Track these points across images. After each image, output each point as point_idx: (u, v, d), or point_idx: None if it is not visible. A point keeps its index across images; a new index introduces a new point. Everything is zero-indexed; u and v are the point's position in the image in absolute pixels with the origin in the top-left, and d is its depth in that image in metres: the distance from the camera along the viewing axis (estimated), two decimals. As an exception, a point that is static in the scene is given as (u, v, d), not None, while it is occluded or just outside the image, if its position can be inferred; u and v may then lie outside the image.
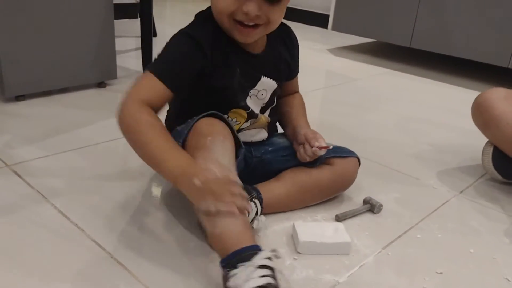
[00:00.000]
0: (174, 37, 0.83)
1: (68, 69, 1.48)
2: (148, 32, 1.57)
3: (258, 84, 0.89)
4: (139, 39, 1.72)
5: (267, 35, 0.89)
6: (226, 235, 0.67)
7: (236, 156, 0.81)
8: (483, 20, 1.96)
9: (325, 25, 2.85)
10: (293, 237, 0.84)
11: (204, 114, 0.82)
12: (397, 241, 0.89)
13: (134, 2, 2.74)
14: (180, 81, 0.81)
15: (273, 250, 0.66)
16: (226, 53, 0.84)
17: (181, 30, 0.84)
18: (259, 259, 0.63)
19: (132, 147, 0.75)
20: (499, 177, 1.13)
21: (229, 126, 0.82)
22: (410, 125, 1.53)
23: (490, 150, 1.12)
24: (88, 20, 1.48)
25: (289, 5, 0.84)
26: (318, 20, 3.12)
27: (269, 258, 0.64)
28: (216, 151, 0.75)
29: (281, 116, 1.02)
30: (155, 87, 0.78)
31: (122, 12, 2.62)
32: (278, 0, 0.78)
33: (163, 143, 0.72)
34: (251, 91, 0.89)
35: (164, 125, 0.79)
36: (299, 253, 0.81)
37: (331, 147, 0.90)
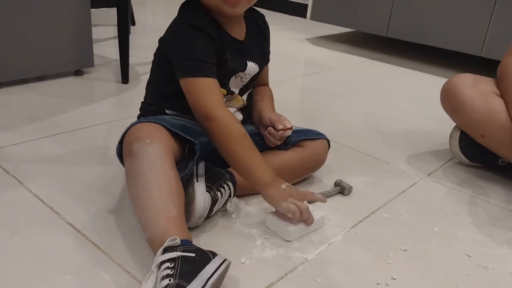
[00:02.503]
0: (180, 32, 0.85)
1: (45, 57, 1.48)
2: (125, 21, 1.57)
3: (247, 69, 0.93)
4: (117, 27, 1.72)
5: (245, 22, 0.92)
6: (152, 241, 0.69)
7: (194, 153, 0.83)
8: (457, 10, 2.01)
9: (304, 15, 2.86)
10: (272, 227, 0.85)
11: (139, 120, 0.84)
12: (365, 220, 0.92)
13: (113, -10, 2.72)
14: (215, 67, 0.85)
15: (171, 238, 0.66)
16: (221, 38, 0.87)
17: (182, 23, 0.86)
18: (156, 260, 0.64)
19: (222, 153, 0.83)
20: (466, 160, 1.18)
21: (165, 127, 0.82)
22: (383, 112, 1.57)
23: (457, 134, 1.16)
24: (64, 8, 1.47)
25: None
26: (297, 9, 3.14)
27: (166, 250, 0.64)
28: (139, 155, 0.76)
29: (253, 104, 1.04)
30: (214, 86, 0.83)
31: (100, 0, 2.60)
32: None
33: (255, 155, 0.82)
34: (239, 73, 0.93)
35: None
36: (288, 241, 0.82)
37: (293, 127, 0.94)
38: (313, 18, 2.53)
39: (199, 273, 0.62)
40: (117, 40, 1.60)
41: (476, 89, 1.10)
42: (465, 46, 2.02)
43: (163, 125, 0.81)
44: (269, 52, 1.03)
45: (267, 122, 0.95)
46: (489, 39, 1.94)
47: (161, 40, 0.92)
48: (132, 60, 1.63)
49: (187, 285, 0.59)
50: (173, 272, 0.61)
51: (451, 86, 1.13)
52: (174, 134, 0.82)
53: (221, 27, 0.88)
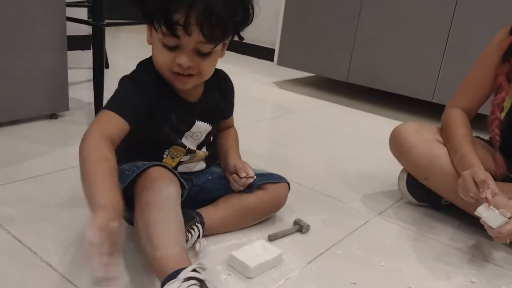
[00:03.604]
0: (121, 82, 0.94)
1: (20, 101, 1.54)
2: (100, 64, 1.65)
3: (193, 127, 1.00)
4: (91, 70, 1.80)
5: (205, 83, 1.01)
6: (165, 259, 0.77)
7: (182, 196, 0.92)
8: (410, 59, 2.19)
9: (272, 59, 3.02)
10: (235, 266, 0.93)
11: (152, 163, 0.91)
12: (320, 256, 1.01)
13: (87, 34, 2.82)
14: (134, 114, 0.90)
15: (199, 263, 0.76)
16: (165, 99, 0.95)
17: (127, 76, 0.95)
18: (184, 273, 0.73)
19: (81, 173, 0.78)
20: (413, 200, 1.30)
21: (174, 174, 0.92)
22: (342, 154, 1.69)
23: (405, 176, 1.28)
24: (41, 52, 1.54)
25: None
26: (266, 54, 3.31)
27: (195, 271, 0.74)
28: (163, 191, 0.86)
29: (217, 148, 1.13)
30: (113, 121, 0.87)
31: (75, 43, 2.69)
32: (207, 54, 0.90)
33: (105, 179, 0.76)
34: (187, 133, 1.01)
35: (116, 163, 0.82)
36: (249, 278, 0.90)
37: (255, 177, 1.03)
38: (279, 63, 2.68)
39: None
40: (90, 83, 1.68)
41: (420, 136, 1.23)
42: (418, 92, 2.20)
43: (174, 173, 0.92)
44: (229, 109, 1.12)
45: (232, 169, 1.04)
46: (439, 86, 2.12)
47: None
48: (106, 103, 1.70)
49: None
50: None
51: (398, 133, 1.26)
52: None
53: (169, 87, 0.95)
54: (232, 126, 1.18)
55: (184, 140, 1.01)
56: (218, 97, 1.06)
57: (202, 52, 0.89)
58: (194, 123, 1.00)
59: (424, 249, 1.10)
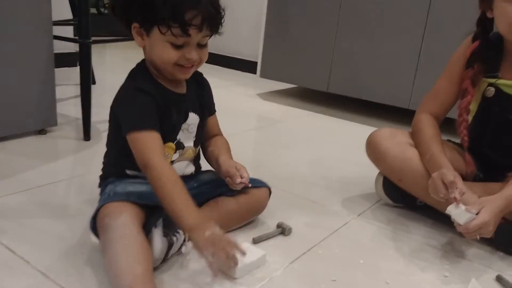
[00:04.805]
0: (126, 94, 0.99)
1: (8, 117, 1.58)
2: (87, 80, 1.69)
3: (188, 119, 1.07)
4: (79, 86, 1.84)
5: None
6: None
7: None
8: (387, 69, 2.28)
9: (255, 72, 3.10)
10: (221, 267, 0.94)
11: (110, 199, 0.96)
12: (302, 257, 1.07)
13: (74, 51, 2.86)
14: (158, 122, 0.97)
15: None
16: (165, 98, 1.01)
17: (128, 85, 1.00)
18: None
19: (159, 198, 0.92)
20: (390, 201, 1.36)
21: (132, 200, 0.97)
22: (323, 161, 1.76)
23: (381, 179, 1.35)
24: (29, 69, 1.59)
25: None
26: (249, 67, 3.38)
27: None
28: (112, 228, 0.90)
29: (208, 156, 1.18)
30: (155, 139, 0.95)
31: (62, 61, 2.73)
32: (205, 44, 0.99)
33: (183, 199, 0.91)
34: (183, 125, 1.07)
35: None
36: (234, 278, 0.94)
37: (250, 185, 1.09)
38: (262, 75, 2.76)
39: None
40: (77, 99, 1.73)
41: (393, 140, 1.30)
42: (395, 100, 2.29)
43: (130, 201, 0.96)
44: (211, 104, 1.17)
45: (225, 175, 1.09)
46: (414, 94, 2.21)
47: (112, 103, 1.04)
48: (93, 118, 1.75)
49: None
50: None
51: (372, 139, 1.33)
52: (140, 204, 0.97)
53: (164, 88, 1.02)
54: (220, 134, 1.22)
55: (180, 134, 1.06)
56: (199, 90, 1.12)
57: (202, 44, 0.98)
58: (188, 114, 1.07)
59: (401, 247, 1.16)
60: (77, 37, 1.71)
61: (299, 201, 1.37)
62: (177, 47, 0.95)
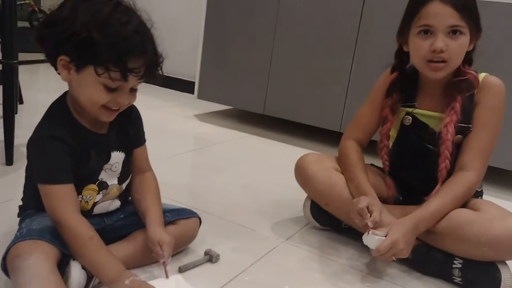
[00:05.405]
0: (37, 143, 0.95)
1: None
2: (10, 100, 1.61)
3: (111, 159, 1.03)
4: (1, 106, 1.74)
5: None
6: None
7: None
8: (319, 93, 2.37)
9: (193, 92, 3.10)
10: None
11: (21, 238, 0.91)
12: (228, 284, 1.07)
13: None
14: (72, 173, 0.95)
15: None
16: (82, 140, 0.97)
17: (42, 131, 0.96)
18: None
19: (75, 255, 0.92)
20: (317, 225, 1.41)
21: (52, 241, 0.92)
22: (256, 184, 1.78)
23: (309, 202, 1.39)
24: None
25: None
26: (187, 87, 3.38)
27: None
28: (21, 270, 0.86)
29: (134, 203, 1.12)
30: (69, 193, 0.93)
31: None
32: (137, 89, 0.97)
33: (100, 255, 0.92)
34: (105, 165, 1.03)
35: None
36: None
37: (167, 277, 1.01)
38: (199, 96, 2.77)
39: None
40: (1, 120, 1.64)
41: (320, 165, 1.35)
42: (327, 123, 2.37)
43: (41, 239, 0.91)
44: (139, 136, 1.12)
45: (153, 242, 1.02)
46: (345, 118, 2.30)
47: (27, 142, 0.99)
48: (17, 140, 1.66)
49: None
50: None
51: (301, 163, 1.38)
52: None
53: (84, 129, 0.99)
54: (148, 170, 1.15)
55: (102, 174, 1.03)
56: (125, 125, 1.07)
57: (135, 89, 0.97)
58: (111, 154, 1.04)
59: (325, 270, 1.20)
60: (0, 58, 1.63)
61: (230, 226, 1.38)
62: (110, 90, 0.92)
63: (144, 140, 1.15)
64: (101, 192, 1.05)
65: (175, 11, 3.43)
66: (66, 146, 0.94)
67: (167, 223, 1.10)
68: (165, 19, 3.68)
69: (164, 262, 1.00)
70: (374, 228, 1.12)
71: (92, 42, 0.86)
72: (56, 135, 0.94)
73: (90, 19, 0.87)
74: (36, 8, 5.71)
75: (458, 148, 1.24)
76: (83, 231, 0.92)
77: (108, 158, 1.03)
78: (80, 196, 1.00)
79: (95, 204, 1.04)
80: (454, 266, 1.17)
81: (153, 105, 2.83)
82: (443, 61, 1.18)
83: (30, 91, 2.54)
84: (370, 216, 1.13)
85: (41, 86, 3.17)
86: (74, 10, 0.89)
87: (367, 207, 1.14)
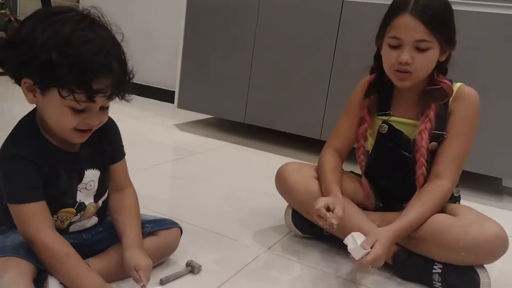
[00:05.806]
0: (3, 159, 0.91)
1: None
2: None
3: (84, 178, 1.01)
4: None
5: None
6: None
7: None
8: (299, 102, 2.38)
9: (173, 101, 3.09)
10: None
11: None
12: (210, 295, 1.07)
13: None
14: (41, 190, 0.92)
15: None
16: (49, 158, 0.94)
17: (7, 149, 0.92)
18: None
19: (53, 272, 0.91)
20: (299, 233, 1.41)
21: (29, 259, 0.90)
22: (238, 193, 1.78)
23: (290, 211, 1.40)
24: None
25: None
26: (167, 96, 3.36)
27: None
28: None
29: (113, 222, 1.08)
30: (37, 210, 0.91)
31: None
32: (107, 107, 0.94)
33: (79, 271, 0.91)
34: (79, 185, 1.00)
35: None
36: None
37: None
38: (180, 106, 2.76)
39: None
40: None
41: (300, 174, 1.36)
42: (307, 131, 2.39)
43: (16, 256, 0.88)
44: (117, 151, 1.08)
45: (131, 267, 0.98)
46: (325, 126, 2.32)
47: None
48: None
49: None
50: None
51: (281, 173, 1.38)
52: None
53: (53, 147, 0.95)
54: (128, 187, 1.11)
55: (79, 195, 1.00)
56: (100, 141, 1.03)
57: (105, 107, 0.93)
58: (84, 172, 1.01)
59: (305, 277, 1.20)
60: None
61: (211, 236, 1.38)
62: (77, 111, 0.88)
63: (123, 155, 1.11)
64: (78, 213, 1.02)
65: (154, 20, 3.42)
66: (31, 163, 0.91)
67: (146, 234, 1.09)
68: (145, 29, 3.68)
69: (143, 286, 0.96)
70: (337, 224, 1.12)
71: (52, 64, 0.82)
72: (20, 153, 0.90)
73: (49, 39, 0.83)
74: (12, 18, 5.61)
75: (433, 155, 1.26)
76: (58, 248, 0.90)
77: (81, 177, 1.00)
78: (56, 216, 0.98)
79: (71, 223, 1.02)
80: (434, 271, 1.19)
81: (132, 115, 2.81)
82: (409, 72, 1.20)
83: (6, 103, 2.50)
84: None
85: (18, 98, 3.12)
86: (34, 29, 0.84)
87: (328, 207, 1.15)
